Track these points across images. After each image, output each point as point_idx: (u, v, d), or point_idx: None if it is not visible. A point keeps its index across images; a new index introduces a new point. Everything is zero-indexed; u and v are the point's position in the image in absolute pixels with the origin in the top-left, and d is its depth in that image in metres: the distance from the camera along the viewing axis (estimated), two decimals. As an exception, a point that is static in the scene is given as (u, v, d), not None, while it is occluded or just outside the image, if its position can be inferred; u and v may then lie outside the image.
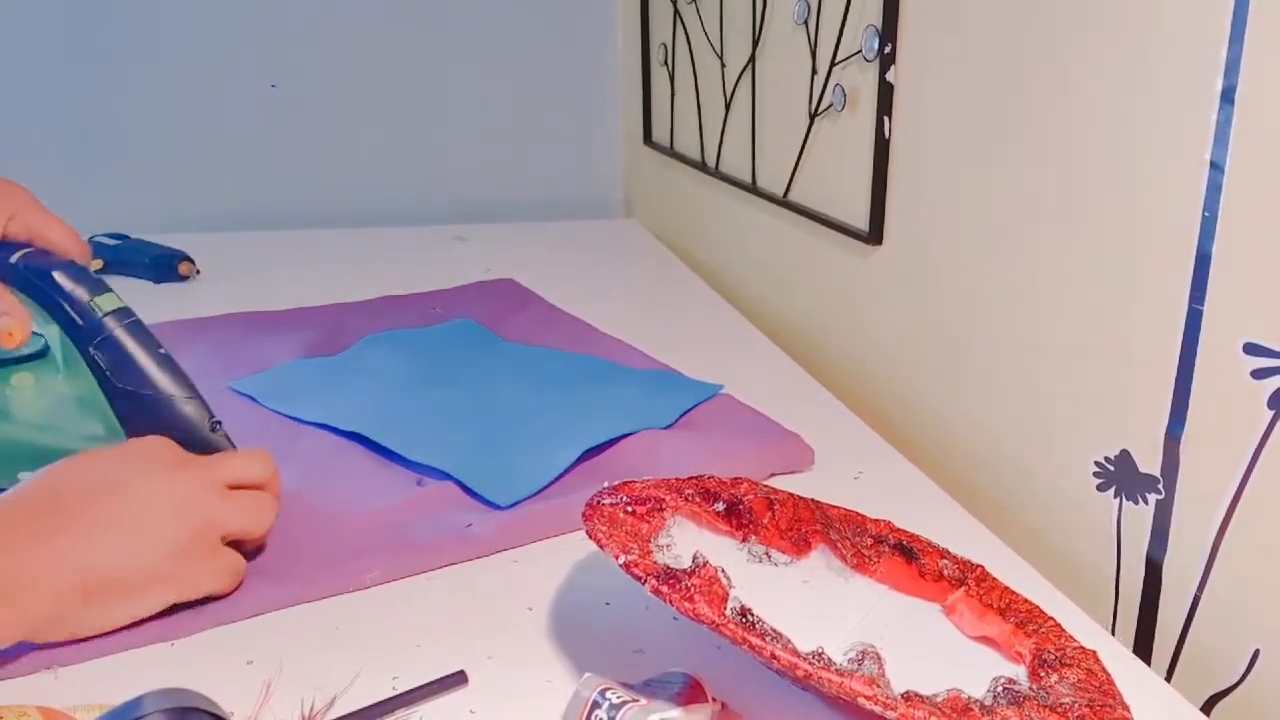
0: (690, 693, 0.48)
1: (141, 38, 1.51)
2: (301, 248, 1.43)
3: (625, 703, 0.45)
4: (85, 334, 0.64)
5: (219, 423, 0.65)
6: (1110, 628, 0.69)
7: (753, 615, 0.47)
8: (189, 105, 1.55)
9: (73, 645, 0.53)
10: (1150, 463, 0.65)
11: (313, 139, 1.61)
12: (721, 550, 0.59)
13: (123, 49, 1.51)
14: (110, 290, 0.66)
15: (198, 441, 0.63)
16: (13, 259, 0.64)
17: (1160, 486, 0.64)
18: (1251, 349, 0.57)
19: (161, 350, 0.65)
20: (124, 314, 0.65)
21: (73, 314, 0.64)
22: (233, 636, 0.56)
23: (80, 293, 0.64)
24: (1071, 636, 0.56)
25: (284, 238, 1.49)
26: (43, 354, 0.68)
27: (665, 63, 1.48)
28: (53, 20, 1.47)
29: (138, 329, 0.65)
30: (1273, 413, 0.56)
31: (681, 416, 0.84)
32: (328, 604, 0.60)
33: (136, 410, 0.64)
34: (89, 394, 0.65)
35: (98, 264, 1.23)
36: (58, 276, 0.64)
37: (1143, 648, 0.66)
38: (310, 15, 1.56)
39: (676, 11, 1.40)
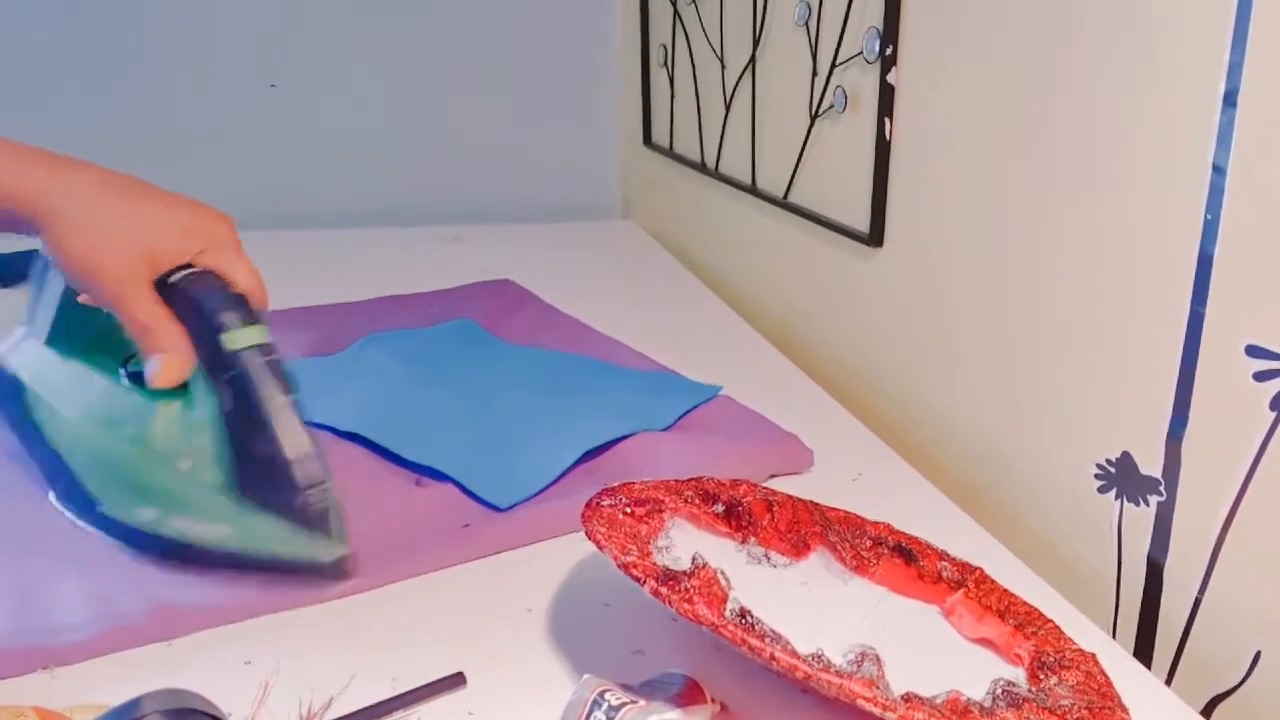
0: (689, 694, 0.48)
1: (139, 37, 1.51)
2: (299, 248, 1.42)
3: (624, 704, 0.45)
4: (218, 366, 0.59)
5: (320, 485, 0.59)
6: (1111, 630, 0.69)
7: (752, 617, 0.47)
8: (188, 105, 1.55)
9: (72, 646, 0.53)
10: (1151, 464, 0.65)
11: (312, 139, 1.61)
12: (720, 552, 0.59)
13: (120, 49, 1.50)
14: (260, 324, 0.61)
15: (297, 507, 0.58)
16: (172, 278, 0.59)
17: (1161, 488, 0.64)
18: (1253, 351, 0.57)
19: (291, 396, 0.60)
20: (263, 351, 0.60)
21: (211, 344, 0.59)
22: (231, 637, 0.56)
23: (223, 321, 0.59)
24: (1071, 639, 0.56)
25: (282, 238, 1.48)
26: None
27: (665, 64, 1.47)
28: (51, 21, 1.47)
29: (273, 369, 0.60)
30: (1275, 415, 0.56)
31: (680, 418, 0.84)
32: (326, 605, 0.60)
33: (244, 454, 0.59)
34: (217, 429, 0.60)
35: None
36: (207, 303, 0.60)
37: (1144, 649, 0.66)
38: (310, 15, 1.56)
39: (676, 12, 1.40)
